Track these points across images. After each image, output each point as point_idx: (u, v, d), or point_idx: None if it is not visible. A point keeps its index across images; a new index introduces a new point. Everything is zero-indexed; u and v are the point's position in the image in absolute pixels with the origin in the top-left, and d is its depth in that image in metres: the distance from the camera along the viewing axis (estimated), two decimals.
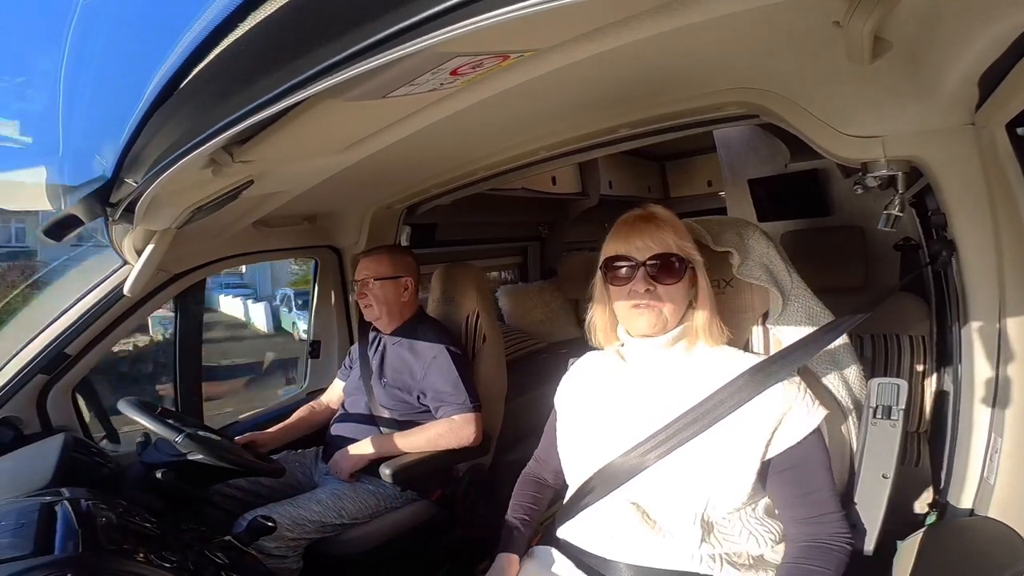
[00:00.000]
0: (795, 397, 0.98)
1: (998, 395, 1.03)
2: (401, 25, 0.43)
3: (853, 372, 1.12)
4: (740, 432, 0.97)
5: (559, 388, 1.23)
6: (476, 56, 0.65)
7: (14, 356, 1.54)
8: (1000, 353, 1.02)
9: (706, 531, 0.97)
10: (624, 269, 1.03)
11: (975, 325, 1.06)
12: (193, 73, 0.61)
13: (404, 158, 1.49)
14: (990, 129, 0.95)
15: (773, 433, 0.97)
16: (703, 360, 1.06)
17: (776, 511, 1.03)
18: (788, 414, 0.97)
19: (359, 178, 1.55)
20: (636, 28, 0.69)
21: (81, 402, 1.70)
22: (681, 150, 3.70)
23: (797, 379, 1.01)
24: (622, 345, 1.15)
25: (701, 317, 1.05)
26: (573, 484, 1.12)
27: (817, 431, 0.99)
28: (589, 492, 1.07)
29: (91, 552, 0.90)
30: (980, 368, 1.06)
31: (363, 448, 1.71)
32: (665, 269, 1.01)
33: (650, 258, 1.01)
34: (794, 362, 1.03)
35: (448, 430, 1.72)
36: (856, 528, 1.00)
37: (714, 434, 0.98)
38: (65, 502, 1.03)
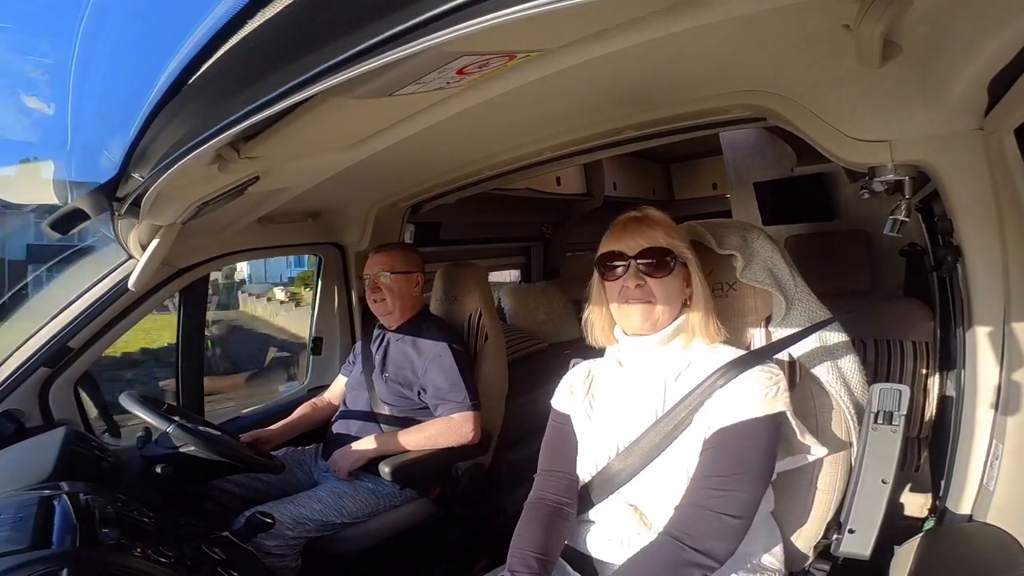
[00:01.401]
0: (756, 382, 0.96)
1: (1000, 401, 1.02)
2: (408, 24, 0.43)
3: (855, 377, 1.12)
4: (704, 420, 0.97)
5: (556, 394, 1.21)
6: (482, 56, 0.66)
7: (17, 349, 1.55)
8: (1004, 359, 1.02)
9: None
10: (616, 266, 1.06)
11: (979, 331, 1.06)
12: (201, 70, 0.61)
13: (409, 156, 1.49)
14: (999, 134, 0.94)
15: (718, 412, 0.96)
16: (699, 358, 1.06)
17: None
18: (740, 395, 0.95)
19: (364, 175, 1.55)
20: (643, 30, 0.69)
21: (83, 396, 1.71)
22: (686, 152, 3.68)
23: (777, 375, 0.98)
24: (619, 351, 1.15)
25: (697, 316, 1.05)
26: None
27: (762, 424, 0.94)
28: (588, 495, 1.07)
29: (88, 547, 0.90)
30: (983, 374, 1.06)
31: (362, 446, 1.72)
32: (655, 264, 1.03)
33: (640, 253, 1.04)
34: (774, 351, 1.06)
35: (447, 428, 1.72)
36: (855, 533, 0.99)
37: (695, 428, 0.98)
38: (64, 496, 1.04)
